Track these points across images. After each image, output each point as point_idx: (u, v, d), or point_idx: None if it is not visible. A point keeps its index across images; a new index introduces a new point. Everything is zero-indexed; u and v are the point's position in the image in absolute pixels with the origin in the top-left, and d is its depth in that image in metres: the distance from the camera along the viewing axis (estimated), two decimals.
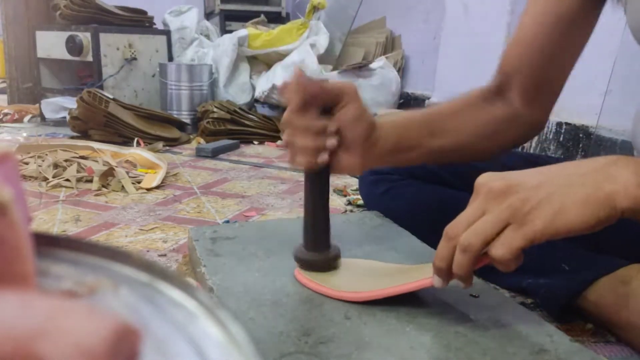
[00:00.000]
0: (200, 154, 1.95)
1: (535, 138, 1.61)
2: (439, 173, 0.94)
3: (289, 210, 1.31)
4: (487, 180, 0.51)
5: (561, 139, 1.51)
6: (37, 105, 2.59)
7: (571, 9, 0.71)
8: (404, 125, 0.70)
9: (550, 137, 1.55)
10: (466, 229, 0.50)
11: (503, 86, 0.77)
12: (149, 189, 1.44)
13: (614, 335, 0.73)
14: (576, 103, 1.40)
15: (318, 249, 0.67)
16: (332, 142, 0.62)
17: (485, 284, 0.70)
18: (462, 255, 0.50)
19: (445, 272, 0.53)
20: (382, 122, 0.69)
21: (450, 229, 0.52)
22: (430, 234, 0.88)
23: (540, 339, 0.56)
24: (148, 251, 1.02)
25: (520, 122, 0.77)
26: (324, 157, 0.62)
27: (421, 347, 0.54)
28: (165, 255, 1.00)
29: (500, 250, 0.48)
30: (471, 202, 0.52)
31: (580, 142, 1.46)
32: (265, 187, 1.53)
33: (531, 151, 1.62)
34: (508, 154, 0.88)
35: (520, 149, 1.67)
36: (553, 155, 1.54)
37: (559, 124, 1.53)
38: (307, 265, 0.67)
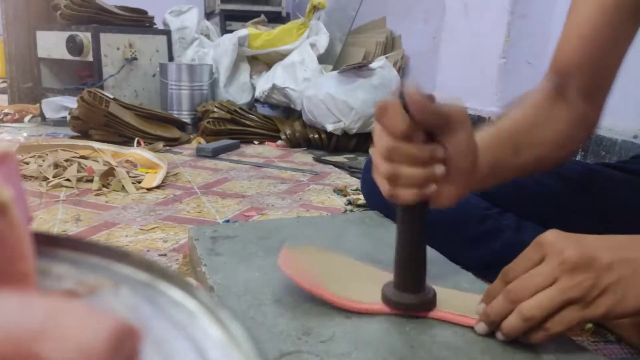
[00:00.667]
0: (200, 153, 1.95)
1: None
2: None
3: (288, 210, 1.31)
4: (560, 245, 0.51)
5: None
6: (38, 105, 2.59)
7: None
8: (490, 147, 0.65)
9: None
10: (532, 294, 0.50)
11: (562, 86, 0.73)
12: (149, 189, 1.44)
13: (614, 335, 0.73)
14: None
15: (414, 290, 0.60)
16: (441, 170, 0.54)
17: (485, 284, 0.70)
18: (521, 323, 0.51)
19: (497, 326, 0.54)
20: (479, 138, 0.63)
21: (515, 289, 0.52)
22: (431, 234, 0.88)
23: None
24: (148, 251, 1.02)
25: (585, 122, 0.75)
26: (433, 188, 0.55)
27: (421, 346, 0.54)
28: (165, 255, 1.00)
29: (559, 327, 0.50)
30: (533, 257, 0.52)
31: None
32: (266, 187, 1.53)
33: None
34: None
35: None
36: None
37: None
38: (401, 307, 0.60)
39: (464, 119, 0.55)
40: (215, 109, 2.23)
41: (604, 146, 1.38)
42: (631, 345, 0.71)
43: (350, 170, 1.79)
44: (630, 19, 0.72)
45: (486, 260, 0.84)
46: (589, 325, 0.75)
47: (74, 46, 2.43)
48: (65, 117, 2.24)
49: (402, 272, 0.60)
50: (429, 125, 0.53)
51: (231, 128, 2.21)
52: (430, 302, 0.60)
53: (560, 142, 0.73)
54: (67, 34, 2.46)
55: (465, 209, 0.90)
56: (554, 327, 0.50)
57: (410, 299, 0.59)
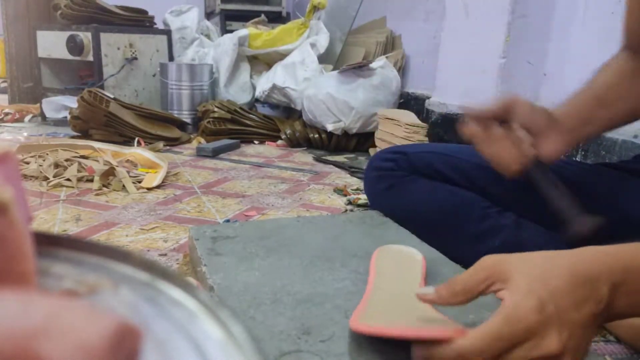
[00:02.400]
0: (200, 153, 1.95)
1: None
2: (443, 171, 0.94)
3: (289, 210, 1.31)
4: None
5: None
6: (38, 104, 2.59)
7: None
8: (575, 103, 0.77)
9: None
10: None
11: (636, 57, 0.79)
12: (149, 189, 1.44)
13: (614, 335, 0.73)
14: None
15: (584, 215, 0.68)
16: (529, 138, 0.71)
17: None
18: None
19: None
20: (557, 107, 0.77)
21: None
22: (431, 233, 0.88)
23: None
24: (149, 250, 1.02)
25: None
26: (531, 150, 0.71)
27: None
28: (165, 254, 1.00)
29: None
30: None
31: (580, 142, 1.46)
32: (266, 187, 1.53)
33: None
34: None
35: None
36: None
37: None
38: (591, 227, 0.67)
39: (517, 99, 0.72)
40: (216, 109, 2.23)
41: (604, 146, 1.38)
42: (631, 345, 0.71)
43: (351, 170, 1.79)
44: None
45: None
46: None
47: (74, 46, 2.43)
48: (66, 117, 2.24)
49: (564, 214, 0.69)
50: (497, 117, 0.72)
51: (231, 128, 2.21)
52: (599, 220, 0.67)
53: None
54: (67, 33, 2.46)
55: (465, 208, 0.90)
56: None
57: (588, 220, 0.67)
